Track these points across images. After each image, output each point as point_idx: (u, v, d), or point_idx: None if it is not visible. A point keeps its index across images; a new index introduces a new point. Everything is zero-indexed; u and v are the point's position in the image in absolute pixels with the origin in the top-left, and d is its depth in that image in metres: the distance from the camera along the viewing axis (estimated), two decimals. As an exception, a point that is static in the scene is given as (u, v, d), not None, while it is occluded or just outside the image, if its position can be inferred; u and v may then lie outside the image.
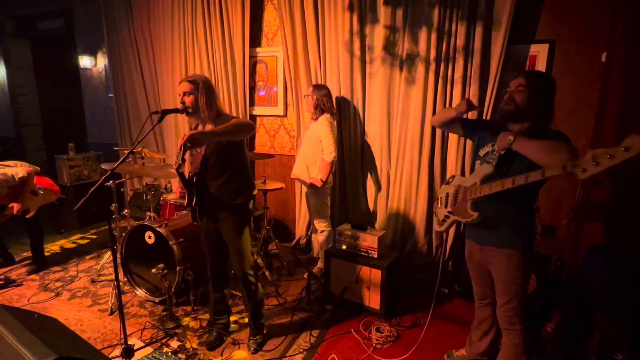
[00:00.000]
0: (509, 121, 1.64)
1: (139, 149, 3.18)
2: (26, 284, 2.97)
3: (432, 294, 2.21)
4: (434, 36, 2.77)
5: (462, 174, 2.87)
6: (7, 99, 5.59)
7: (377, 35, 2.98)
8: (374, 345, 2.26)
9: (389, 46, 2.95)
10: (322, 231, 3.03)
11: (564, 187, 2.64)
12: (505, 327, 1.74)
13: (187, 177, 1.98)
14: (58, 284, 2.98)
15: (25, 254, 3.42)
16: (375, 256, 2.53)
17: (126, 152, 2.95)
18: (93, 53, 4.73)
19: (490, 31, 2.67)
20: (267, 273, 3.00)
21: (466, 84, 2.77)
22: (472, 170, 1.78)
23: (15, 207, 2.76)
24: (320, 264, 3.09)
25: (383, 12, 2.91)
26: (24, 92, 5.68)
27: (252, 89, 3.75)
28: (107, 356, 1.83)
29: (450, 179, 1.90)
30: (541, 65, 2.70)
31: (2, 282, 2.94)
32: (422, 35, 2.79)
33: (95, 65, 4.75)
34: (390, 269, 2.50)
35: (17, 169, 2.80)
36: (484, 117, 2.77)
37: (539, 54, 2.72)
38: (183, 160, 1.77)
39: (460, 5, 2.68)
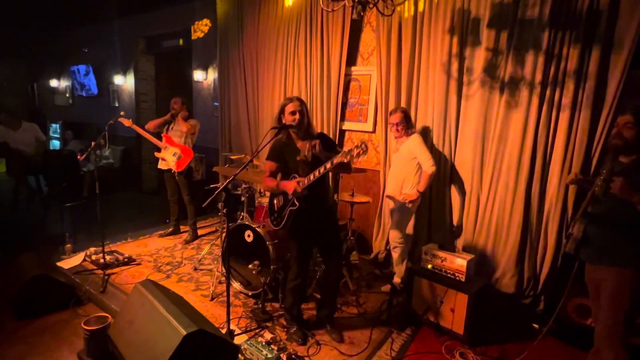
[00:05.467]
0: (618, 154, 1.75)
1: (242, 156, 3.56)
2: (144, 264, 3.49)
3: (520, 327, 2.13)
4: (541, 59, 2.67)
5: (565, 205, 2.71)
6: (132, 105, 6.63)
7: (478, 57, 2.96)
8: (457, 370, 2.23)
9: (490, 69, 2.91)
10: (395, 247, 3.05)
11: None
12: (604, 347, 1.76)
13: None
14: (168, 267, 3.45)
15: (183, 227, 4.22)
16: (463, 280, 2.49)
17: (232, 157, 3.32)
18: (205, 68, 5.40)
19: (609, 54, 2.51)
20: (349, 282, 3.12)
21: (575, 109, 2.62)
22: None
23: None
24: (396, 279, 3.12)
25: (486, 34, 2.89)
26: (145, 99, 6.69)
27: (344, 105, 3.95)
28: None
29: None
30: (671, 93, 2.46)
31: (126, 260, 3.49)
32: (529, 58, 2.71)
33: (206, 79, 5.41)
34: (478, 295, 2.44)
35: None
36: (595, 145, 2.60)
37: (669, 80, 2.47)
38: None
39: (574, 27, 2.56)
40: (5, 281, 2.92)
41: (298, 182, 2.13)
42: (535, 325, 2.70)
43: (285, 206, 2.32)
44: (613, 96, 2.49)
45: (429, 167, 2.78)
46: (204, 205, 2.07)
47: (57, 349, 2.35)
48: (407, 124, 2.91)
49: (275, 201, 2.42)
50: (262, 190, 3.94)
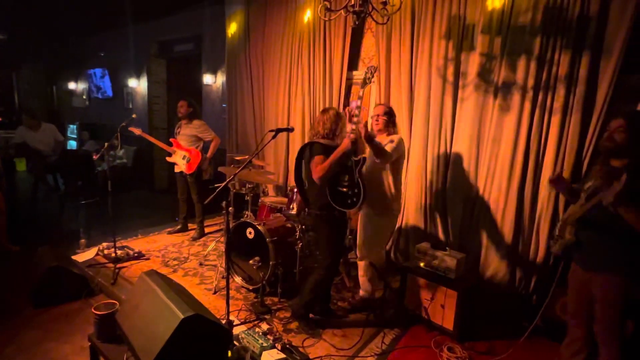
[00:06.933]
0: (609, 157, 1.79)
1: (246, 157, 3.71)
2: (152, 259, 3.68)
3: (510, 325, 2.22)
4: (533, 64, 2.75)
5: (556, 206, 2.77)
6: (145, 107, 6.88)
7: (472, 62, 3.05)
8: (444, 363, 2.33)
9: (484, 73, 3.00)
10: (362, 275, 2.84)
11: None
12: (602, 343, 1.85)
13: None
14: (175, 262, 3.62)
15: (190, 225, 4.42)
16: (453, 277, 2.59)
17: (236, 158, 3.47)
18: (214, 72, 5.59)
19: (598, 60, 2.57)
20: (345, 279, 3.24)
21: (567, 113, 2.68)
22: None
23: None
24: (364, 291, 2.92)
25: (480, 40, 2.98)
26: (157, 101, 6.93)
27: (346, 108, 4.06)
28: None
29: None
30: (661, 97, 2.51)
31: (136, 255, 3.68)
32: (521, 63, 2.79)
33: (215, 82, 5.61)
34: (466, 292, 2.54)
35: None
36: (586, 149, 2.66)
37: (659, 84, 2.52)
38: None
39: (565, 33, 2.63)
40: (24, 273, 3.14)
41: (348, 136, 2.31)
42: (525, 323, 2.76)
43: (353, 172, 2.35)
44: (603, 101, 2.55)
45: (389, 152, 2.52)
46: (205, 202, 2.21)
47: (70, 335, 2.54)
48: (389, 120, 2.71)
49: (340, 188, 2.40)
50: (265, 190, 4.09)
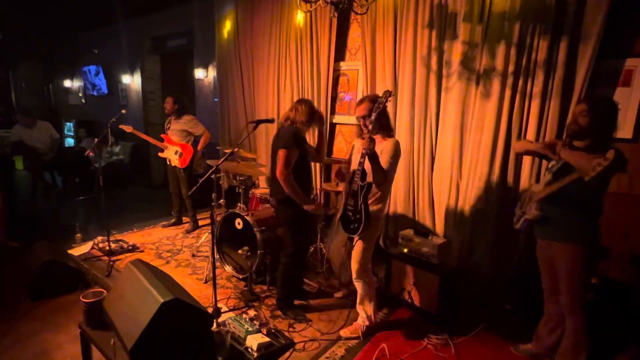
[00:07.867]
0: (574, 139, 1.93)
1: (235, 150, 3.75)
2: (146, 251, 3.76)
3: (492, 308, 2.31)
4: (513, 51, 2.77)
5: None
6: (140, 103, 6.92)
7: (455, 50, 3.07)
8: (424, 345, 2.40)
9: (467, 61, 3.02)
10: (357, 278, 2.39)
11: None
12: (568, 313, 1.97)
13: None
14: (168, 254, 3.71)
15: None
16: (435, 262, 2.65)
17: (226, 151, 3.51)
18: (206, 66, 5.62)
19: (577, 45, 2.59)
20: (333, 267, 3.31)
21: (546, 98, 2.71)
22: None
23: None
24: (359, 322, 2.50)
25: (462, 28, 2.99)
26: (152, 97, 6.96)
27: (334, 99, 4.10)
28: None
29: (530, 187, 2.24)
30: (639, 81, 2.53)
31: (130, 247, 3.76)
32: (500, 50, 2.81)
33: (207, 76, 5.64)
34: (448, 277, 2.60)
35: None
36: (565, 132, 2.69)
37: (637, 68, 2.55)
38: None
39: (544, 20, 2.65)
40: (22, 267, 3.23)
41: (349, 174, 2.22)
42: (507, 306, 2.83)
43: (357, 197, 2.16)
44: (582, 85, 2.58)
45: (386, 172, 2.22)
46: (189, 194, 2.28)
47: (66, 325, 2.64)
48: (382, 121, 2.28)
49: (347, 211, 2.25)
50: (257, 182, 4.16)
